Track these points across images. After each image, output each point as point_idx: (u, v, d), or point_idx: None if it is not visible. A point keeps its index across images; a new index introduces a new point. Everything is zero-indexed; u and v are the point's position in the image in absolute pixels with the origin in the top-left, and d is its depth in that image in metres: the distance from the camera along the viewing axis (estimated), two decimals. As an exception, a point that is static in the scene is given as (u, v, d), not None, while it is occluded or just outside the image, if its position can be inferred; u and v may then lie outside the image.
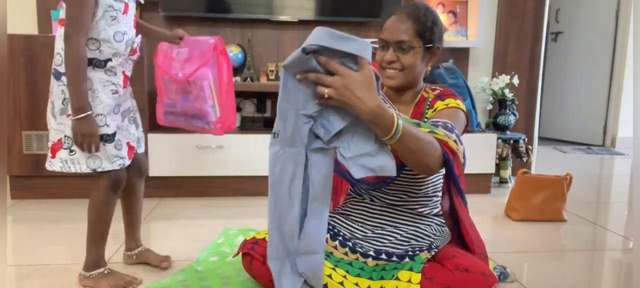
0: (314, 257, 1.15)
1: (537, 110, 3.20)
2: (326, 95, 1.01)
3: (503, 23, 3.06)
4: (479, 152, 2.68)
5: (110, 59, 1.39)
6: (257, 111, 2.91)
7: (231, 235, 1.88)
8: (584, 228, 2.14)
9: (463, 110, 1.30)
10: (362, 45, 1.02)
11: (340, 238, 1.36)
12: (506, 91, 2.89)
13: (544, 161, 3.85)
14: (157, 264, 1.61)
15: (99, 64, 1.38)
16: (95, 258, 1.46)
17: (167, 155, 2.43)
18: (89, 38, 1.35)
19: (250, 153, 2.49)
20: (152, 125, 2.49)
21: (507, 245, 1.90)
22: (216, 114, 1.62)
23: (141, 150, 1.60)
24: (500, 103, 2.92)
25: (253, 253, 1.26)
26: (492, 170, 2.74)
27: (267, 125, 2.78)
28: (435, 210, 1.40)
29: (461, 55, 3.05)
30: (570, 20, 4.91)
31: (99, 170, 1.38)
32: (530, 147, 2.96)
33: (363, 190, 1.42)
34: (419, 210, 1.37)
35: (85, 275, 1.45)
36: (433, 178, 1.37)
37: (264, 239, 1.27)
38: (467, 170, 2.68)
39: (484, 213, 2.36)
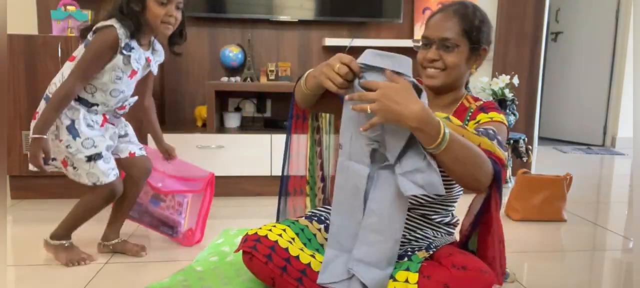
0: (376, 271, 1.15)
1: (537, 110, 3.20)
2: (369, 111, 1.02)
3: (503, 23, 3.06)
4: (479, 152, 2.68)
5: (97, 104, 1.54)
6: (257, 111, 2.91)
7: (231, 235, 1.88)
8: (584, 228, 2.14)
9: (505, 125, 1.25)
10: (401, 61, 1.08)
11: (326, 224, 1.36)
12: (506, 91, 2.89)
13: (544, 161, 3.85)
14: (135, 254, 1.70)
15: (86, 103, 1.52)
16: (62, 233, 1.61)
17: (167, 155, 2.43)
18: (89, 84, 1.49)
19: (250, 153, 2.49)
20: (152, 125, 2.50)
21: (507, 245, 1.89)
22: (185, 226, 1.85)
23: (142, 153, 1.71)
24: (500, 103, 2.92)
25: (255, 253, 1.23)
26: (492, 170, 2.73)
27: (266, 126, 2.78)
28: (446, 219, 1.37)
29: (461, 55, 3.05)
30: (570, 20, 4.91)
31: (98, 184, 1.52)
32: (530, 147, 2.96)
33: None
34: (431, 216, 1.34)
35: (49, 242, 1.61)
36: (455, 187, 1.33)
37: (266, 237, 1.25)
38: (467, 170, 2.68)
39: (484, 213, 2.36)
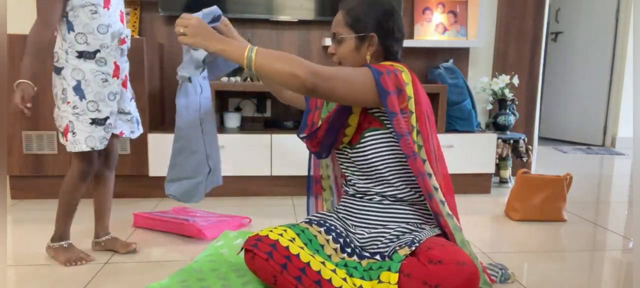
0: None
1: (537, 110, 3.20)
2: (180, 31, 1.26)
3: (503, 23, 3.06)
4: (479, 152, 2.68)
5: (98, 50, 1.53)
6: (256, 111, 2.91)
7: (230, 238, 1.88)
8: (584, 228, 2.14)
9: (365, 72, 1.28)
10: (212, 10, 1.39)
11: (334, 234, 1.39)
12: (506, 91, 2.89)
13: (544, 161, 3.85)
14: (124, 251, 1.73)
15: (89, 55, 1.52)
16: (60, 233, 1.65)
17: (167, 155, 2.43)
18: (77, 33, 1.49)
19: (250, 153, 2.49)
20: (152, 125, 2.49)
21: (507, 245, 1.90)
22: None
23: (134, 136, 1.72)
24: (500, 103, 2.92)
25: (256, 251, 1.26)
26: (492, 170, 2.74)
27: (267, 126, 2.78)
28: (409, 197, 1.40)
29: (461, 55, 3.05)
30: (570, 20, 4.91)
31: (95, 149, 1.55)
32: (530, 147, 2.96)
33: (344, 184, 1.50)
34: (391, 193, 1.39)
35: (50, 245, 1.66)
36: (378, 154, 1.36)
37: (267, 236, 1.28)
38: (467, 169, 2.68)
39: (484, 213, 2.36)
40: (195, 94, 1.48)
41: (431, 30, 2.94)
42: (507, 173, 2.94)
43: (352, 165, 1.42)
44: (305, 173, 2.55)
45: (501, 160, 2.91)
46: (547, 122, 5.17)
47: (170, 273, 1.55)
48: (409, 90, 1.31)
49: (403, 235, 1.35)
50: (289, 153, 2.52)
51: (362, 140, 1.36)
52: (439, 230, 1.38)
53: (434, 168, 1.33)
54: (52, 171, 2.39)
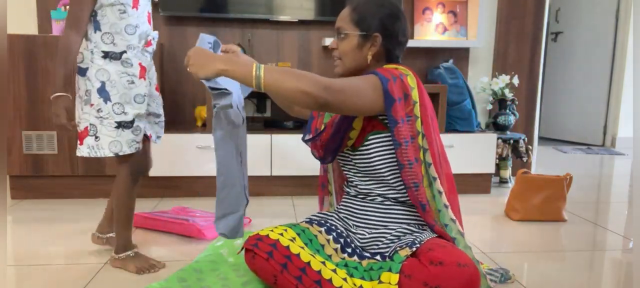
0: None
1: (537, 110, 3.20)
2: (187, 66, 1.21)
3: (503, 23, 3.06)
4: (479, 152, 2.68)
5: (125, 51, 1.48)
6: (257, 111, 2.91)
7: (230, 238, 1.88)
8: (584, 228, 2.14)
9: (372, 80, 1.28)
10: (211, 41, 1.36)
11: (334, 234, 1.39)
12: (506, 91, 2.89)
13: (544, 161, 3.85)
14: None
15: (115, 56, 1.47)
16: (123, 242, 1.59)
17: (167, 155, 2.43)
18: (104, 33, 1.45)
19: (250, 153, 2.49)
20: (152, 125, 2.50)
21: (507, 245, 1.90)
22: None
23: (159, 141, 1.70)
24: (500, 103, 2.92)
25: (257, 250, 1.26)
26: (492, 170, 2.74)
27: (267, 126, 2.78)
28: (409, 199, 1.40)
29: (461, 55, 3.05)
30: (570, 20, 4.91)
31: (121, 154, 1.49)
32: (530, 147, 2.96)
33: (345, 185, 1.50)
34: (393, 196, 1.39)
35: (115, 257, 1.58)
36: (381, 157, 1.36)
37: (267, 236, 1.28)
38: (467, 170, 2.68)
39: (484, 213, 2.36)
40: (230, 125, 1.40)
41: (431, 30, 2.94)
42: (507, 173, 2.94)
43: (354, 167, 1.42)
44: (305, 174, 2.56)
45: (501, 160, 2.91)
46: (547, 122, 5.17)
47: (170, 273, 1.55)
48: (415, 94, 1.31)
49: (404, 235, 1.35)
50: (289, 153, 2.52)
51: (366, 143, 1.36)
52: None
53: (438, 170, 1.33)
54: (52, 171, 2.39)
